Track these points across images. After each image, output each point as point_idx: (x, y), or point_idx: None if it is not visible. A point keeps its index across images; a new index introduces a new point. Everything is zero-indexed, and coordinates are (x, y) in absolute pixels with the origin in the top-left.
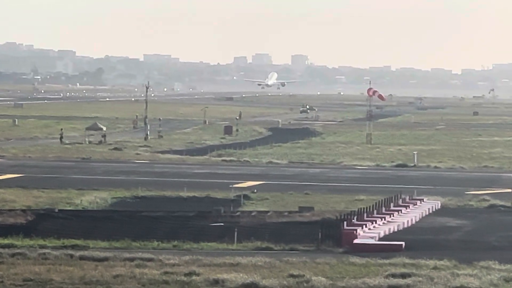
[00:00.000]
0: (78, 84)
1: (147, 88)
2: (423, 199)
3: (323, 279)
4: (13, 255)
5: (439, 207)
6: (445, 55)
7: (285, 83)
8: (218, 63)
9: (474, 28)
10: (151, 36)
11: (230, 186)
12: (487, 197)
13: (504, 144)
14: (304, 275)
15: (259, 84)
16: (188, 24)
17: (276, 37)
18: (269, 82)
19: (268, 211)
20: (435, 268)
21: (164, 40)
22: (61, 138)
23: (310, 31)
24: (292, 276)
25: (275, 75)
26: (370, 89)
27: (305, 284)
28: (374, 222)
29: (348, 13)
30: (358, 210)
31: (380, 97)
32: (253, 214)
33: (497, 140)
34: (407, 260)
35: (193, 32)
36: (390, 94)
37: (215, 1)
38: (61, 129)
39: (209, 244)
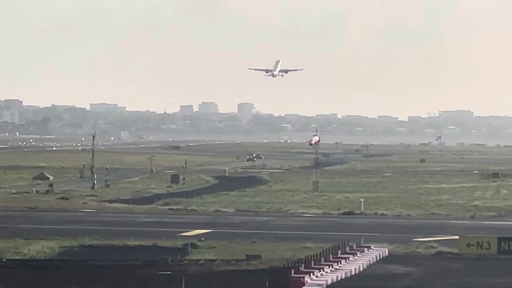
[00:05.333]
0: (17, 133)
1: (93, 137)
2: (370, 247)
3: None
4: None
5: (386, 254)
6: (392, 102)
7: (288, 70)
8: (165, 111)
9: (421, 76)
10: (97, 85)
11: (177, 234)
12: (434, 244)
13: (451, 191)
14: None
15: (267, 72)
16: (134, 73)
17: (222, 85)
18: (276, 72)
19: (215, 260)
20: None
21: (110, 89)
22: None
23: (256, 80)
24: None
25: (280, 62)
26: (310, 140)
27: None
28: (321, 270)
29: (293, 61)
30: (305, 258)
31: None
32: (200, 262)
33: (444, 187)
34: None
35: (139, 81)
36: (337, 142)
37: (160, 50)
38: None
39: None
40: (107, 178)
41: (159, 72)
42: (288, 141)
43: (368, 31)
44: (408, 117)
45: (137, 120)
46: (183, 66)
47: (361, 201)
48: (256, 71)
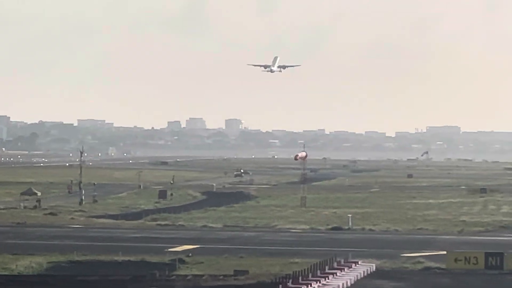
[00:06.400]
0: (3, 149)
1: (81, 153)
2: (358, 262)
3: None
4: None
5: (374, 269)
6: (379, 118)
7: (286, 66)
8: (152, 127)
9: (408, 91)
10: (85, 101)
11: (165, 250)
12: (422, 259)
13: (438, 206)
14: None
15: (265, 68)
16: (121, 89)
17: (209, 101)
18: (274, 67)
19: (203, 275)
20: None
21: (98, 105)
22: None
23: (244, 95)
24: None
25: (278, 58)
26: (296, 155)
27: None
28: (309, 285)
29: (281, 76)
30: (293, 273)
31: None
32: (188, 278)
33: (431, 203)
34: None
35: (127, 96)
36: (324, 158)
37: (147, 66)
38: None
39: None
40: (95, 193)
41: (147, 88)
42: (276, 157)
43: (356, 47)
44: (396, 132)
45: (125, 136)
46: (171, 82)
47: (348, 216)
48: (255, 67)
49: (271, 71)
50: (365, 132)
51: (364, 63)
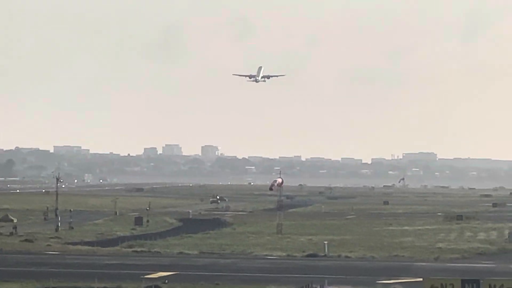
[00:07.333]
0: None
1: (57, 179)
2: None
3: None
4: None
5: None
6: (355, 144)
7: (270, 76)
8: (129, 154)
9: (384, 118)
10: (61, 128)
11: (141, 277)
12: (398, 286)
13: (414, 233)
14: None
15: (250, 78)
16: (98, 115)
17: (186, 128)
18: (259, 77)
19: None
20: None
21: (74, 132)
22: None
23: (220, 122)
24: None
25: (263, 68)
26: (272, 184)
27: None
28: None
29: (257, 102)
30: None
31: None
32: None
33: (407, 229)
34: None
35: (103, 123)
36: (300, 184)
37: (123, 93)
38: None
39: None
40: (71, 220)
41: (123, 115)
42: (252, 183)
43: (332, 74)
44: (372, 159)
45: (101, 163)
46: (147, 108)
47: (325, 243)
48: (240, 77)
49: (256, 81)
50: (341, 158)
51: (340, 90)
